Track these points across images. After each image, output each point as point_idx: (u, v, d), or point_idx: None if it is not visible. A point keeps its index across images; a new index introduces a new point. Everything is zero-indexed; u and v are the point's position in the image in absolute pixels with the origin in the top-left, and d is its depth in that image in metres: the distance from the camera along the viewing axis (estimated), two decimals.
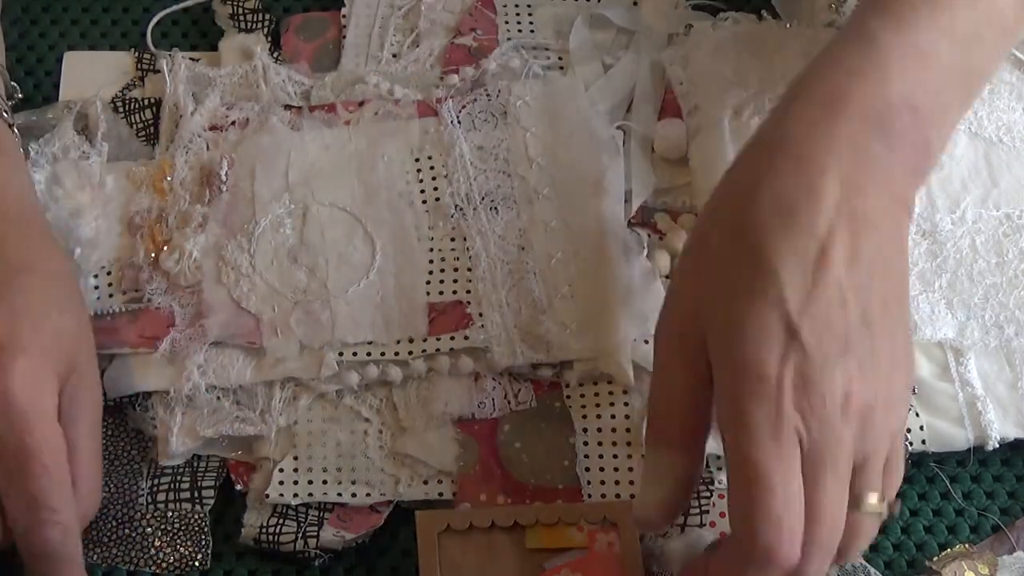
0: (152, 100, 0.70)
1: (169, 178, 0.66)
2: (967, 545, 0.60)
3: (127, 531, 0.59)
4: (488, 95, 0.69)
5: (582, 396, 0.61)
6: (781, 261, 0.49)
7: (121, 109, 0.70)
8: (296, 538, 0.58)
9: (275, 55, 0.72)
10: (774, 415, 0.48)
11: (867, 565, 0.58)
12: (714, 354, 0.50)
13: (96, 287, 0.64)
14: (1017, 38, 0.62)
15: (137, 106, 0.70)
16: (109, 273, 0.64)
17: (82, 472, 0.55)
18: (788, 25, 0.71)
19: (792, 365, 0.49)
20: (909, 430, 0.60)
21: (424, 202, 0.66)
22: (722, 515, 0.60)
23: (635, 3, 0.74)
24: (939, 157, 0.57)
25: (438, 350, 0.61)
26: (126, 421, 0.62)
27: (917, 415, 0.60)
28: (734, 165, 0.55)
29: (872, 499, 0.51)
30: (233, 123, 0.68)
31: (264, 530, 0.59)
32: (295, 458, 0.60)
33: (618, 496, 0.59)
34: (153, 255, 0.64)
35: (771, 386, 0.48)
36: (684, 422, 0.53)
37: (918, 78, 0.54)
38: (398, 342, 0.62)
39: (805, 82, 0.55)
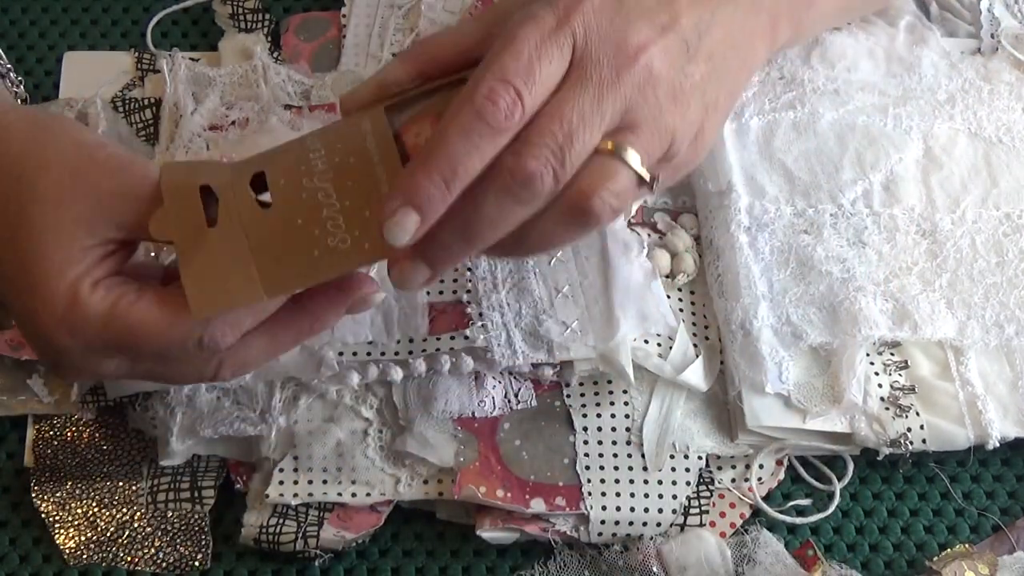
0: (152, 100, 0.70)
1: None
2: (967, 545, 0.60)
3: (127, 531, 0.59)
4: None
5: (582, 396, 0.61)
6: None
7: (121, 109, 0.70)
8: (296, 538, 0.58)
9: (275, 55, 0.72)
10: (561, 14, 0.50)
11: (853, 572, 0.59)
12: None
13: None
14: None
15: (137, 106, 0.70)
16: None
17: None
18: None
19: None
20: (910, 429, 0.60)
21: None
22: (722, 515, 0.60)
23: None
24: (815, 18, 0.63)
25: (438, 349, 0.61)
26: (126, 421, 0.62)
27: (918, 414, 0.60)
28: None
29: (633, 156, 0.50)
30: (233, 123, 0.68)
31: (264, 530, 0.59)
32: (295, 458, 0.60)
33: (618, 495, 0.59)
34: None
35: None
36: (432, 49, 0.54)
37: None
38: (398, 342, 0.62)
39: None
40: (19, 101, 0.71)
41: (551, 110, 0.49)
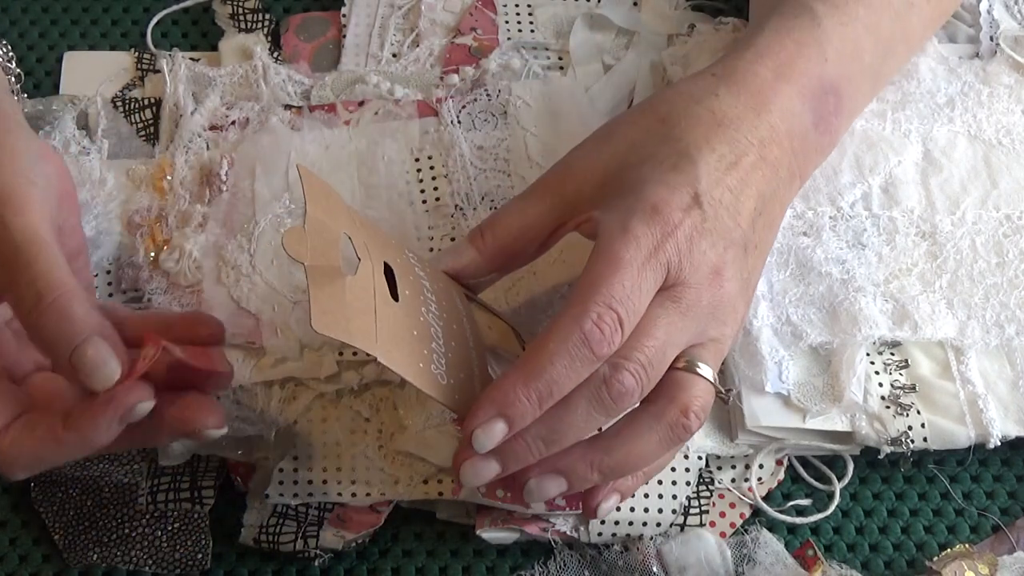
0: (152, 100, 0.70)
1: (169, 177, 0.66)
2: (967, 545, 0.60)
3: (127, 531, 0.59)
4: (488, 95, 0.69)
5: None
6: (702, 155, 0.55)
7: (121, 108, 0.70)
8: (296, 538, 0.58)
9: (275, 55, 0.72)
10: (658, 238, 0.52)
11: (853, 572, 0.59)
12: (616, 204, 0.54)
13: (96, 286, 0.63)
14: (912, 55, 0.68)
15: (137, 106, 0.70)
16: (109, 272, 0.64)
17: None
18: None
19: (690, 220, 0.53)
20: (910, 427, 0.60)
21: (424, 202, 0.66)
22: (722, 515, 0.60)
23: (635, 3, 0.74)
24: (831, 151, 0.63)
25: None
26: None
27: (919, 413, 0.60)
28: (681, 80, 0.60)
29: (706, 370, 0.53)
30: (233, 123, 0.68)
31: (264, 530, 0.59)
32: (295, 458, 0.60)
33: None
34: (153, 254, 0.64)
35: (666, 220, 0.52)
36: (507, 244, 0.57)
37: (846, 69, 0.60)
38: None
39: (755, 38, 0.59)
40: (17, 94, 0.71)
41: (646, 327, 0.51)
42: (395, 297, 0.52)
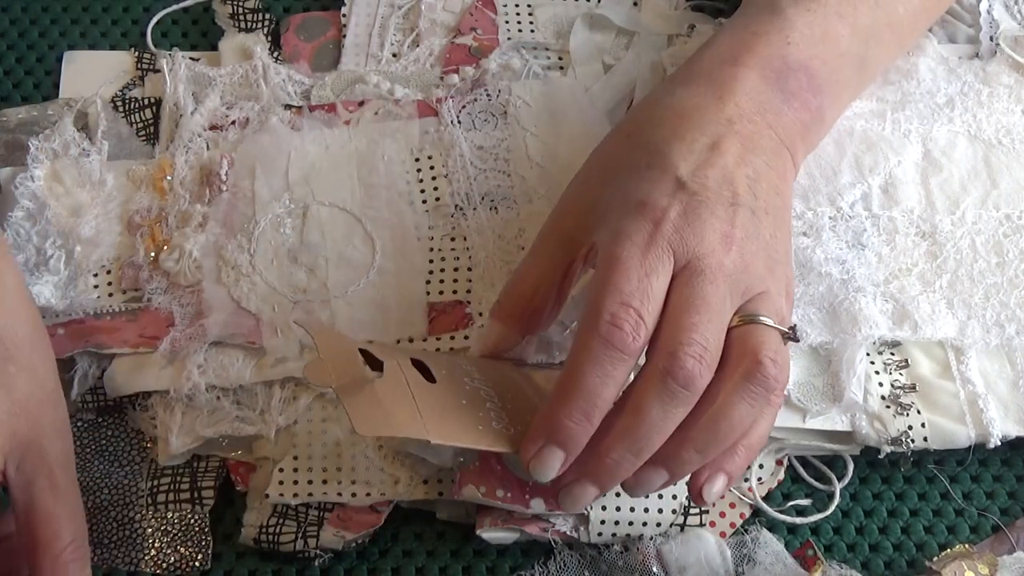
0: (152, 100, 0.70)
1: (169, 177, 0.66)
2: (967, 545, 0.60)
3: (127, 532, 0.59)
4: (488, 95, 0.69)
5: None
6: (672, 147, 0.55)
7: (121, 108, 0.70)
8: (296, 538, 0.58)
9: (275, 55, 0.72)
10: (651, 228, 0.52)
11: (853, 572, 0.59)
12: (608, 220, 0.54)
13: (96, 286, 0.64)
14: (909, 44, 0.68)
15: (137, 106, 0.70)
16: (109, 272, 0.64)
17: (47, 521, 0.52)
18: None
19: (678, 202, 0.53)
20: (911, 427, 0.60)
21: (424, 202, 0.66)
22: (722, 515, 0.60)
23: (635, 3, 0.74)
24: (827, 130, 0.62)
25: (438, 350, 0.61)
26: (126, 421, 0.62)
27: (919, 412, 0.60)
28: (646, 95, 0.60)
29: (764, 319, 0.52)
30: (233, 123, 0.68)
31: (264, 530, 0.59)
32: (295, 458, 0.60)
33: (618, 495, 0.58)
34: (153, 254, 0.64)
35: (653, 210, 0.52)
36: (526, 303, 0.57)
37: (816, 51, 0.60)
38: (398, 342, 0.62)
39: (715, 39, 0.60)
40: None
41: (681, 309, 0.51)
42: (431, 380, 0.53)
